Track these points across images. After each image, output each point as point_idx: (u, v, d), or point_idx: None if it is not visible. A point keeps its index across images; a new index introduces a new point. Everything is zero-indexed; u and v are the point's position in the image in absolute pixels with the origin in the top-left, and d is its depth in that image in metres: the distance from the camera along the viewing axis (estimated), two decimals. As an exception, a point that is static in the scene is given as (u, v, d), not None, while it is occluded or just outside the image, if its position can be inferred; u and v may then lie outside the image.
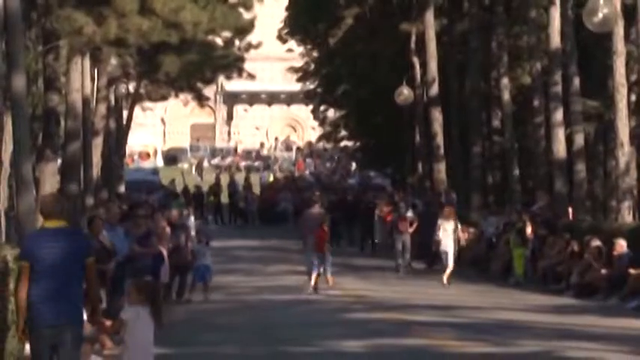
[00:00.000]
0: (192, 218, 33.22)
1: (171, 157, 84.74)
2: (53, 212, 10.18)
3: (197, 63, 40.36)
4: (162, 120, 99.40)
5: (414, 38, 41.49)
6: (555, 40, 30.80)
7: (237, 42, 44.25)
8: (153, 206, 28.01)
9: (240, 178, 59.34)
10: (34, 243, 10.15)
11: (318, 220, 24.52)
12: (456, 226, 26.73)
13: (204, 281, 22.27)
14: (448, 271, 25.65)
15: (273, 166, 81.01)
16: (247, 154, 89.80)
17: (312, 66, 55.34)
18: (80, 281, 10.09)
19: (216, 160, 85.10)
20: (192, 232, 31.69)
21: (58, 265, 9.94)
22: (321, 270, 24.13)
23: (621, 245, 22.73)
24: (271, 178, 63.50)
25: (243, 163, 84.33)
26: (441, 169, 39.49)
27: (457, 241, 26.68)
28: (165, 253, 19.61)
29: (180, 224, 23.75)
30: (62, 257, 9.95)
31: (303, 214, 25.97)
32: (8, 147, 22.60)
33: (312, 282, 23.83)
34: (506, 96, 36.39)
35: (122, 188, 44.84)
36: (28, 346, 12.63)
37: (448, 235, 26.35)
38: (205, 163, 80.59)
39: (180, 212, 25.59)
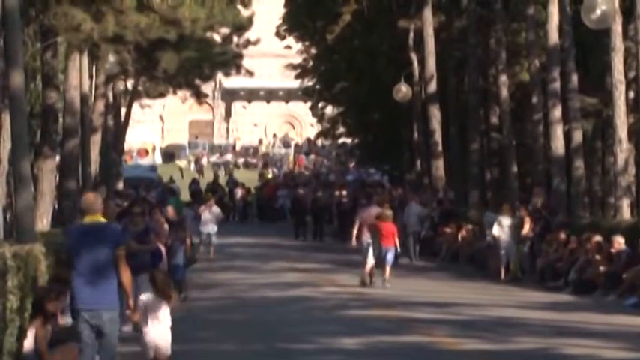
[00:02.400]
0: (216, 209, 33.10)
1: (170, 154, 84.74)
2: (92, 209, 11.40)
3: (195, 60, 40.35)
4: (161, 117, 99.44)
5: (412, 35, 41.50)
6: (553, 37, 30.80)
7: (235, 39, 44.24)
8: (151, 203, 28.00)
9: (237, 174, 59.37)
10: (74, 236, 11.52)
11: (380, 217, 24.80)
12: (519, 222, 26.64)
13: (176, 280, 22.08)
14: (502, 267, 25.78)
15: (258, 162, 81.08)
16: (245, 150, 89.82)
17: (311, 63, 55.31)
18: (114, 270, 11.28)
19: (214, 158, 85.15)
20: (214, 227, 31.79)
21: (94, 256, 11.18)
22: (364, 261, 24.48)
23: (619, 242, 22.75)
24: (270, 175, 63.59)
25: (241, 160, 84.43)
26: (439, 165, 39.52)
27: (518, 236, 26.50)
28: (163, 249, 19.59)
29: (178, 221, 23.71)
30: (98, 249, 11.20)
31: (363, 210, 26.24)
32: (6, 144, 22.61)
33: (387, 274, 24.06)
34: (504, 93, 36.39)
35: (120, 185, 44.86)
36: (25, 343, 12.68)
37: (505, 231, 26.27)
38: (204, 161, 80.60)
39: (176, 209, 25.50)
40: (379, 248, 24.21)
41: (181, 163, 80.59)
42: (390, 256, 24.12)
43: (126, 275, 11.38)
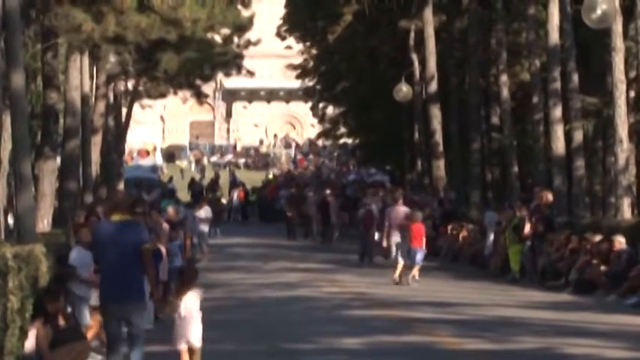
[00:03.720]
0: (206, 210, 33.30)
1: (170, 155, 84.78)
2: (119, 207, 12.06)
3: (196, 60, 40.32)
4: (162, 117, 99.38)
5: (412, 35, 41.52)
6: (554, 37, 30.78)
7: (236, 39, 44.19)
8: (153, 204, 28.01)
9: (238, 174, 59.28)
10: (101, 232, 12.14)
11: (410, 217, 24.86)
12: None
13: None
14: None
15: (259, 163, 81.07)
16: (246, 151, 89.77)
17: (311, 63, 55.33)
18: (139, 264, 11.79)
19: (214, 158, 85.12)
20: (205, 227, 32.11)
21: (120, 251, 11.71)
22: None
23: (620, 242, 22.73)
24: (270, 176, 63.55)
25: (242, 161, 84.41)
26: (440, 165, 39.53)
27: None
28: (163, 250, 19.57)
29: (179, 222, 23.69)
30: (123, 244, 11.72)
31: (388, 211, 26.41)
32: (7, 145, 22.59)
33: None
34: (505, 92, 36.40)
35: (121, 186, 44.84)
36: (27, 344, 12.68)
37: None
38: (205, 161, 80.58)
39: (175, 210, 25.50)
40: (408, 248, 24.29)
41: (182, 163, 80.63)
42: (419, 257, 24.26)
43: (150, 271, 12.00)
